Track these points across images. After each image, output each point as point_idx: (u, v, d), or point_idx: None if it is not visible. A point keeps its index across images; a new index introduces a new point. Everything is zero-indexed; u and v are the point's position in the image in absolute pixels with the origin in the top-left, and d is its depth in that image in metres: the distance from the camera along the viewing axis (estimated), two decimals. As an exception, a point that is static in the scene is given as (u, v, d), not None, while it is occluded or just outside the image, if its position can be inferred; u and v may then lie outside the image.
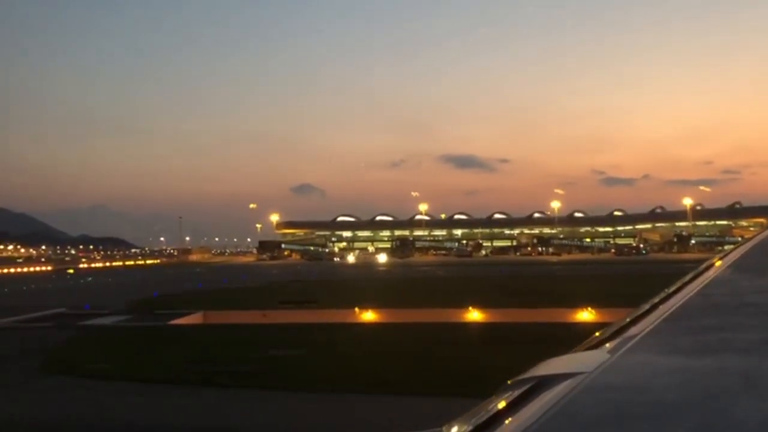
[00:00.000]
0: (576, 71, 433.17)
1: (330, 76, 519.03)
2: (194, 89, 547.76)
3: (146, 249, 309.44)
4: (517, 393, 1.44)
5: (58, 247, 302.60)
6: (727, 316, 2.05)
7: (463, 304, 27.16)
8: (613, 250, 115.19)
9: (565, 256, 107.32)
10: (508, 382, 1.60)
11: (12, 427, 10.91)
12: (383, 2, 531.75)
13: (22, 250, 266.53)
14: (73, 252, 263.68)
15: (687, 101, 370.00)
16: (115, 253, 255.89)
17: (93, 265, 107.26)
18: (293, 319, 25.76)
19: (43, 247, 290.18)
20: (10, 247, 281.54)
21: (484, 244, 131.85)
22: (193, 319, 25.61)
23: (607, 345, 1.76)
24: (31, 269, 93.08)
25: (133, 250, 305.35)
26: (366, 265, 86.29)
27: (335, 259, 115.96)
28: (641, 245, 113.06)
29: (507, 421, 1.27)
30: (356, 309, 27.00)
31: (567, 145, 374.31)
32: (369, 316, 25.93)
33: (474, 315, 24.95)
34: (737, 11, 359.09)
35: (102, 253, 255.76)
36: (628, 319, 2.14)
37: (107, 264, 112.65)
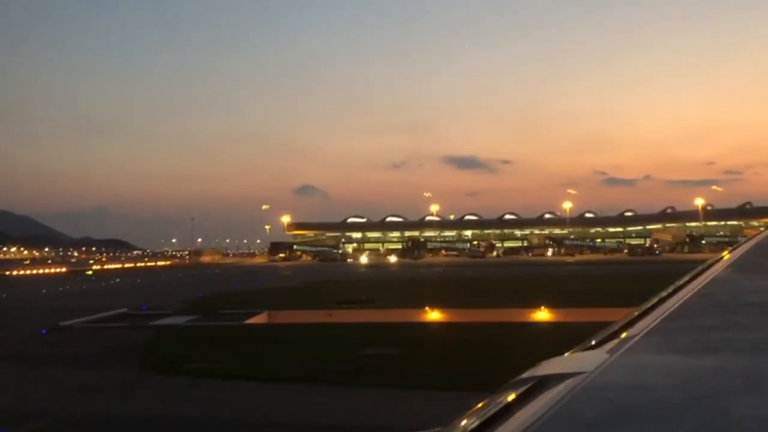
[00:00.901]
0: (577, 72, 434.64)
1: (331, 77, 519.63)
2: (195, 91, 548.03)
3: (148, 251, 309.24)
4: (517, 393, 1.44)
5: (60, 250, 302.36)
6: (727, 316, 2.05)
7: (521, 304, 27.35)
8: (625, 251, 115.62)
9: (579, 257, 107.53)
10: (510, 381, 1.62)
11: (178, 427, 11.00)
12: (385, 3, 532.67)
13: (26, 252, 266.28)
14: (76, 254, 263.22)
15: (688, 101, 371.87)
16: (119, 254, 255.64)
17: (107, 267, 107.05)
18: (356, 318, 25.81)
19: (47, 250, 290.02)
20: (13, 249, 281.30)
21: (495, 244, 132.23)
22: (261, 318, 25.70)
23: (607, 345, 1.76)
24: (48, 271, 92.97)
25: (135, 252, 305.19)
26: (385, 266, 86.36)
27: (349, 260, 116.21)
28: (655, 245, 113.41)
29: (507, 421, 1.27)
30: (413, 309, 27.14)
31: (568, 146, 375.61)
32: (433, 315, 26.04)
33: (541, 315, 25.08)
34: (739, 11, 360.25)
35: (105, 254, 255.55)
36: (628, 319, 2.15)
37: (121, 266, 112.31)
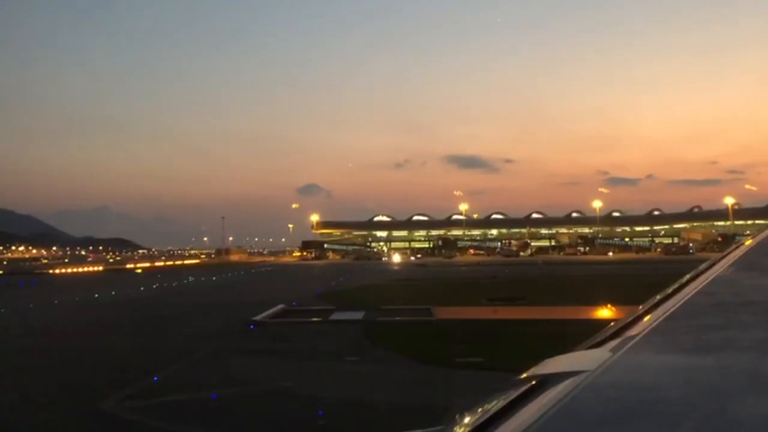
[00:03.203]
0: (580, 72, 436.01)
1: (335, 78, 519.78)
2: (198, 91, 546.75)
3: (153, 250, 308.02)
4: (519, 391, 1.45)
5: (68, 249, 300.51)
6: (730, 315, 2.04)
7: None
8: (658, 249, 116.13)
9: (615, 255, 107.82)
10: (513, 379, 1.62)
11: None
12: (389, 4, 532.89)
13: (35, 251, 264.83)
14: (83, 253, 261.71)
15: (691, 101, 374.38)
16: (128, 253, 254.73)
17: (141, 265, 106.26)
18: (528, 315, 25.63)
19: (54, 249, 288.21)
20: (21, 248, 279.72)
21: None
22: (442, 313, 25.49)
23: (610, 343, 1.77)
24: (91, 269, 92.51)
25: (141, 251, 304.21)
26: (430, 265, 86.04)
27: (383, 258, 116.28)
28: (690, 244, 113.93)
29: (509, 420, 1.27)
30: (577, 306, 27.08)
31: (571, 145, 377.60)
32: (604, 312, 25.99)
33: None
34: (741, 10, 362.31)
35: (112, 253, 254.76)
36: (630, 318, 2.16)
37: (152, 264, 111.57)
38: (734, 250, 3.99)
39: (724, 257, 3.74)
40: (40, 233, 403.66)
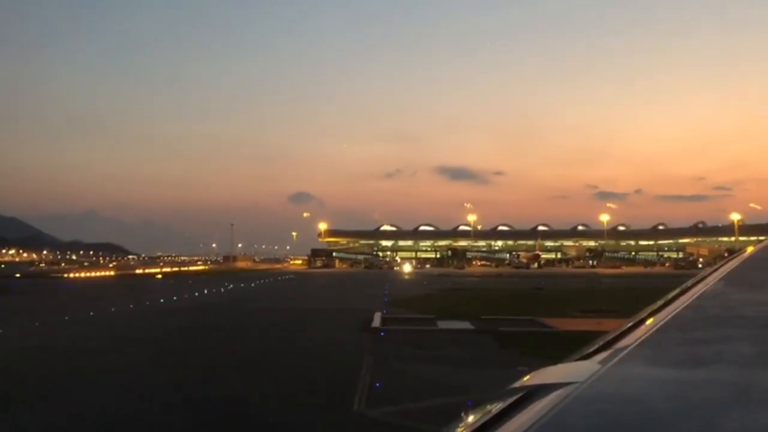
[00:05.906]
0: (571, 86, 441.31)
1: (327, 87, 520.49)
2: (189, 96, 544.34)
3: (144, 256, 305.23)
4: (508, 402, 1.45)
5: (58, 253, 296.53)
6: (719, 329, 2.07)
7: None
8: (667, 264, 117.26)
9: (628, 269, 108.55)
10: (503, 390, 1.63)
11: None
12: (381, 15, 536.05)
13: (25, 255, 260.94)
14: (74, 257, 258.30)
15: (680, 117, 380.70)
16: (121, 260, 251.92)
17: (148, 271, 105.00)
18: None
19: (45, 252, 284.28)
20: (12, 251, 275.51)
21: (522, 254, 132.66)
22: (554, 324, 25.32)
23: (599, 355, 1.79)
24: (103, 274, 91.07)
25: (131, 257, 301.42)
26: (452, 275, 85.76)
27: (395, 267, 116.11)
28: (700, 258, 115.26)
29: (497, 431, 1.27)
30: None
31: (561, 159, 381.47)
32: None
33: None
34: (731, 29, 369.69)
35: (103, 258, 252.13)
36: (620, 330, 2.18)
37: (163, 269, 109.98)
38: (723, 264, 4.04)
39: (713, 272, 3.72)
40: (26, 236, 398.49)
